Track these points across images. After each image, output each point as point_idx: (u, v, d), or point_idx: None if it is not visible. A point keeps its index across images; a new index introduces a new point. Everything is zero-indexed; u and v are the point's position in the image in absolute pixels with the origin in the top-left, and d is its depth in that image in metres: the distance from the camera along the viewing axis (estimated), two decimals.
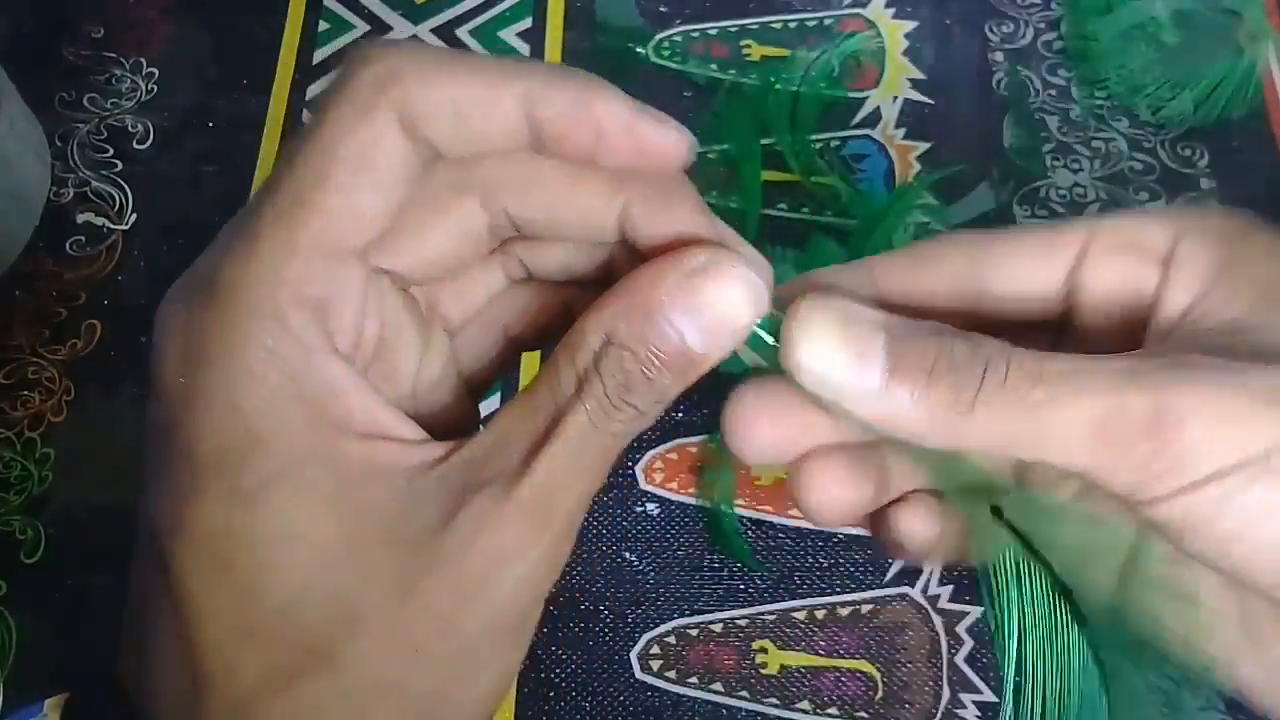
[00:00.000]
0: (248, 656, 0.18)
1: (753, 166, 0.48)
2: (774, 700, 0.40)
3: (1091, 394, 0.19)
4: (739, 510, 0.43)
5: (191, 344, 0.19)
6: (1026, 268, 0.23)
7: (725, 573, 0.42)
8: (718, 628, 0.41)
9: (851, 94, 0.52)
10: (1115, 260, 0.23)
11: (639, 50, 0.53)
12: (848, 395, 0.20)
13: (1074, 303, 0.23)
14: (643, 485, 0.43)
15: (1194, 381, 0.19)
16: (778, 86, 0.51)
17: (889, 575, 0.42)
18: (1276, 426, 0.18)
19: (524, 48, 0.53)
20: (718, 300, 0.19)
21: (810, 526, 0.43)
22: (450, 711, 0.19)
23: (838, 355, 0.20)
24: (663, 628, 0.41)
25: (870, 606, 0.41)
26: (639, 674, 0.40)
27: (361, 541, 0.18)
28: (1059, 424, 0.19)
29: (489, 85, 0.19)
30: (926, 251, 0.24)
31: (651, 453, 0.44)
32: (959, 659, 0.41)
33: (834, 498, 0.23)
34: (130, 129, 0.51)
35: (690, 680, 0.40)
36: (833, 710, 0.40)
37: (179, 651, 0.18)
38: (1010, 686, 0.22)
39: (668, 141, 0.20)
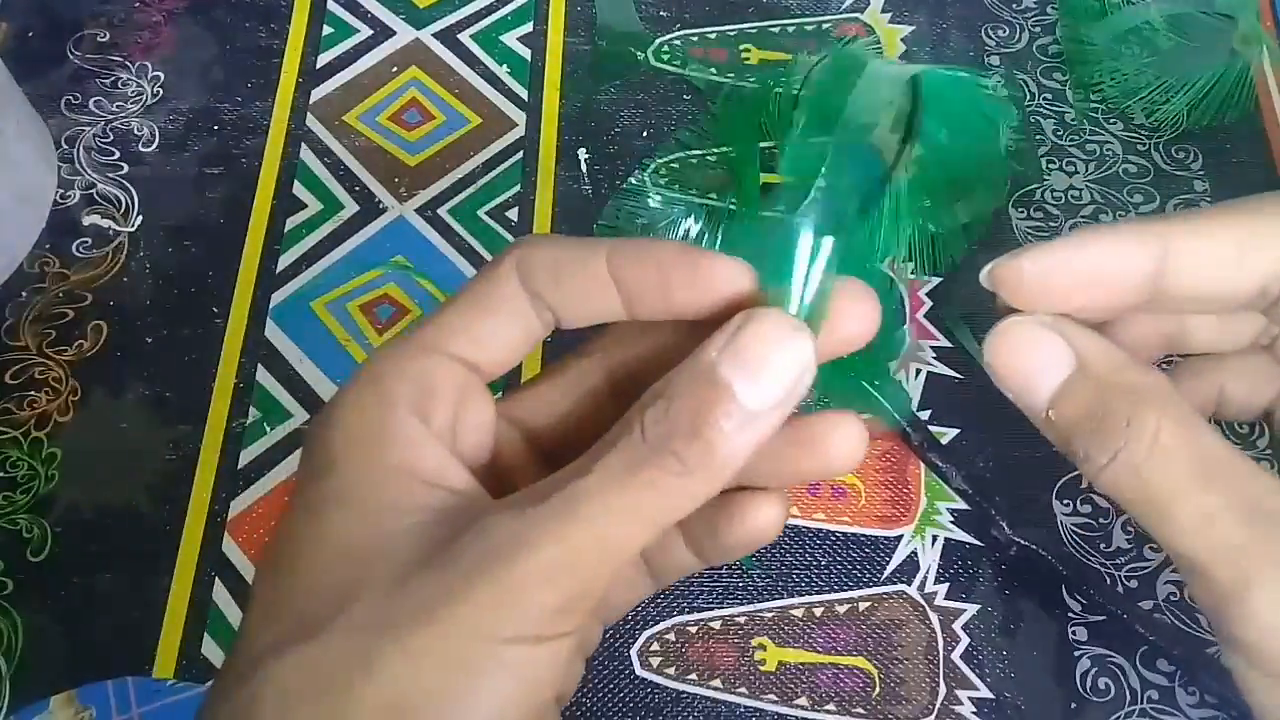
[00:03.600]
0: (264, 628, 0.20)
1: (751, 169, 0.49)
2: (772, 696, 0.40)
3: (1194, 541, 0.20)
4: None
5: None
6: (1220, 262, 0.22)
7: (724, 571, 0.42)
8: (717, 625, 0.42)
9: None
10: None
11: (639, 54, 0.54)
12: (1020, 404, 0.23)
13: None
14: None
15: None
16: (777, 90, 0.51)
17: (886, 573, 0.42)
18: None
19: (525, 52, 0.54)
20: (758, 346, 0.20)
21: (808, 525, 0.43)
22: (436, 712, 0.19)
23: (1016, 376, 0.23)
24: (662, 625, 0.42)
25: (867, 604, 0.42)
26: (639, 670, 0.41)
27: (387, 551, 0.20)
28: (1159, 534, 0.21)
29: (582, 246, 0.22)
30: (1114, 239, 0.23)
31: None
32: (955, 656, 0.41)
33: None
34: (136, 132, 0.51)
35: (689, 677, 0.41)
36: (830, 706, 0.40)
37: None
38: None
39: (719, 264, 0.21)
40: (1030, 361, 0.22)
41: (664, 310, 0.22)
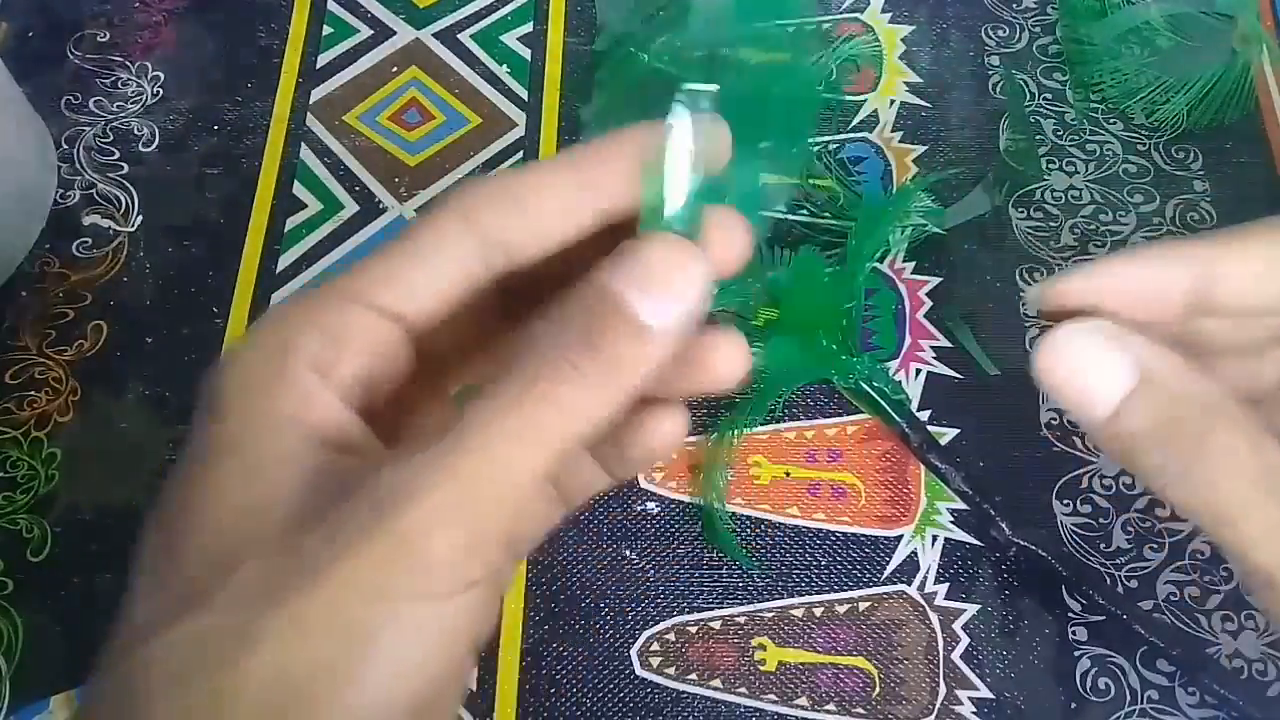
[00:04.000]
0: (148, 599, 0.19)
1: (751, 168, 0.49)
2: (772, 697, 0.40)
3: (1263, 553, 0.20)
4: (738, 509, 0.43)
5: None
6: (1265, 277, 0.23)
7: (724, 571, 0.42)
8: (717, 625, 0.42)
9: (849, 97, 0.52)
10: None
11: (639, 55, 0.53)
12: (1077, 415, 0.22)
13: None
14: (643, 484, 0.44)
15: None
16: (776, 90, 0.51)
17: (886, 573, 0.42)
18: None
19: (525, 52, 0.54)
20: (650, 259, 0.20)
21: (808, 525, 0.43)
22: (328, 685, 0.17)
23: (1073, 385, 0.22)
24: (662, 625, 0.42)
25: (867, 604, 0.42)
26: (639, 670, 0.41)
27: (274, 508, 0.19)
28: (1229, 547, 0.21)
29: (544, 171, 0.21)
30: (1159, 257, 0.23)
31: None
32: (955, 656, 0.41)
33: None
34: (136, 132, 0.51)
35: (689, 677, 0.41)
36: (830, 707, 0.40)
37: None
38: None
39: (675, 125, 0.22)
40: (1091, 372, 0.22)
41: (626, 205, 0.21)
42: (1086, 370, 0.22)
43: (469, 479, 0.18)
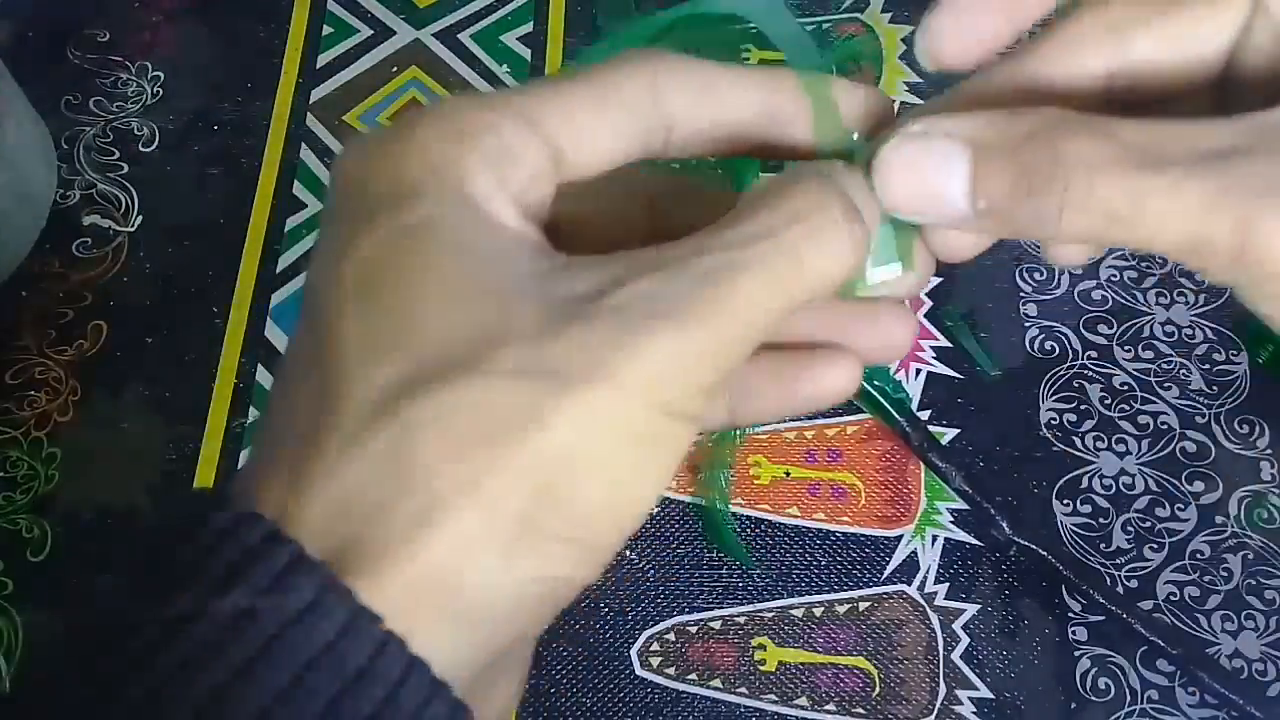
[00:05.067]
0: (382, 367, 0.17)
1: (750, 165, 0.49)
2: (772, 696, 0.40)
3: (1179, 221, 0.19)
4: (738, 509, 0.43)
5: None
6: (1182, 29, 0.21)
7: (724, 570, 0.42)
8: (717, 625, 0.42)
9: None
10: None
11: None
12: (940, 225, 0.22)
13: (1235, 68, 0.21)
14: None
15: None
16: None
17: (886, 573, 0.42)
18: None
19: (525, 52, 0.54)
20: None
21: (808, 525, 0.43)
22: (606, 483, 0.18)
23: (921, 198, 0.21)
24: (662, 625, 0.42)
25: (867, 604, 0.42)
26: (639, 670, 0.41)
27: (518, 293, 0.18)
28: (1146, 242, 0.19)
29: (734, 72, 0.21)
30: (1067, 29, 0.22)
31: None
32: (955, 656, 0.41)
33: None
34: (136, 132, 0.51)
35: (689, 677, 0.41)
36: (830, 707, 0.40)
37: (305, 384, 0.18)
38: None
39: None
40: (928, 170, 0.21)
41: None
42: (923, 170, 0.21)
43: (734, 320, 0.18)
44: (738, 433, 0.44)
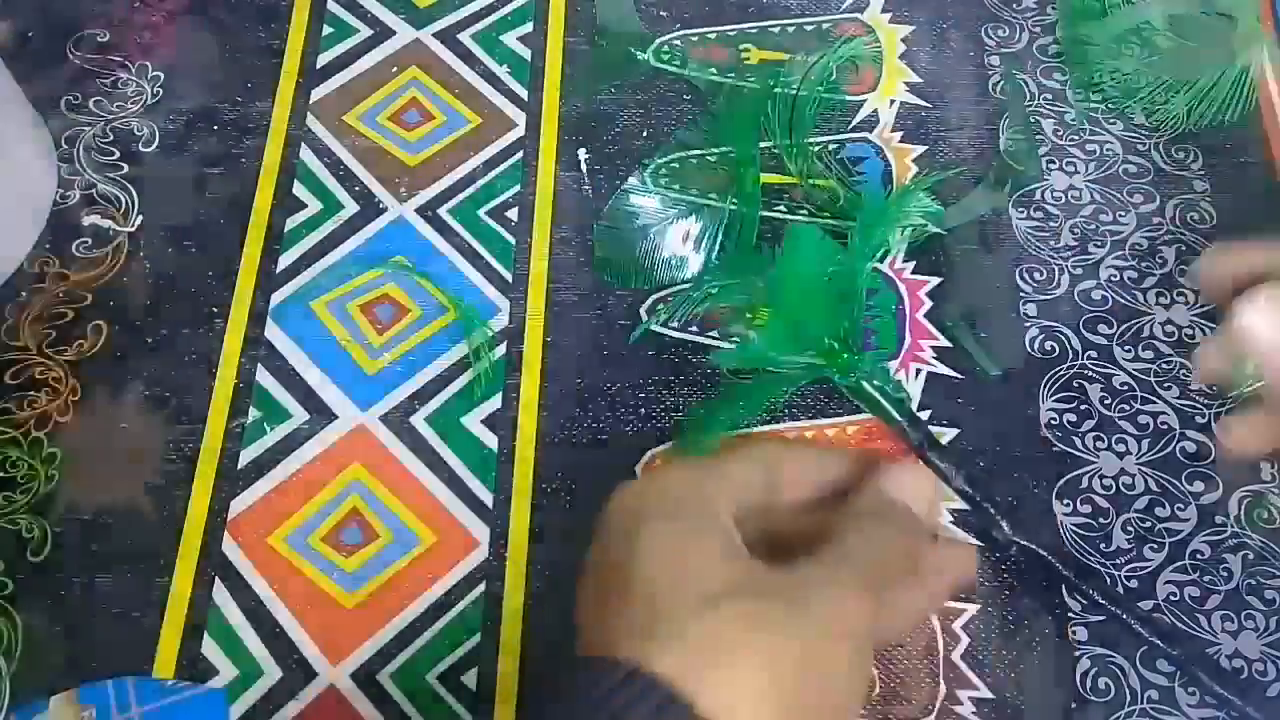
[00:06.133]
0: (685, 597, 0.28)
1: (752, 169, 0.49)
2: None
3: None
4: None
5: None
6: None
7: None
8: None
9: (850, 97, 0.53)
10: None
11: (639, 54, 0.54)
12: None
13: None
14: None
15: None
16: (776, 90, 0.51)
17: None
18: None
19: (525, 52, 0.54)
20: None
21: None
22: (805, 695, 0.27)
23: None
24: None
25: None
26: None
27: (738, 561, 0.30)
28: None
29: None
30: None
31: (652, 451, 0.44)
32: (955, 656, 0.41)
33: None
34: (136, 132, 0.51)
35: None
36: None
37: (625, 598, 0.29)
38: None
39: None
40: None
41: None
42: None
43: (871, 574, 0.30)
44: (732, 430, 0.44)
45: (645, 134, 0.52)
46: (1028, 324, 0.47)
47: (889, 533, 0.32)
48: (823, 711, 0.27)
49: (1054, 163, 0.51)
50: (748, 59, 0.54)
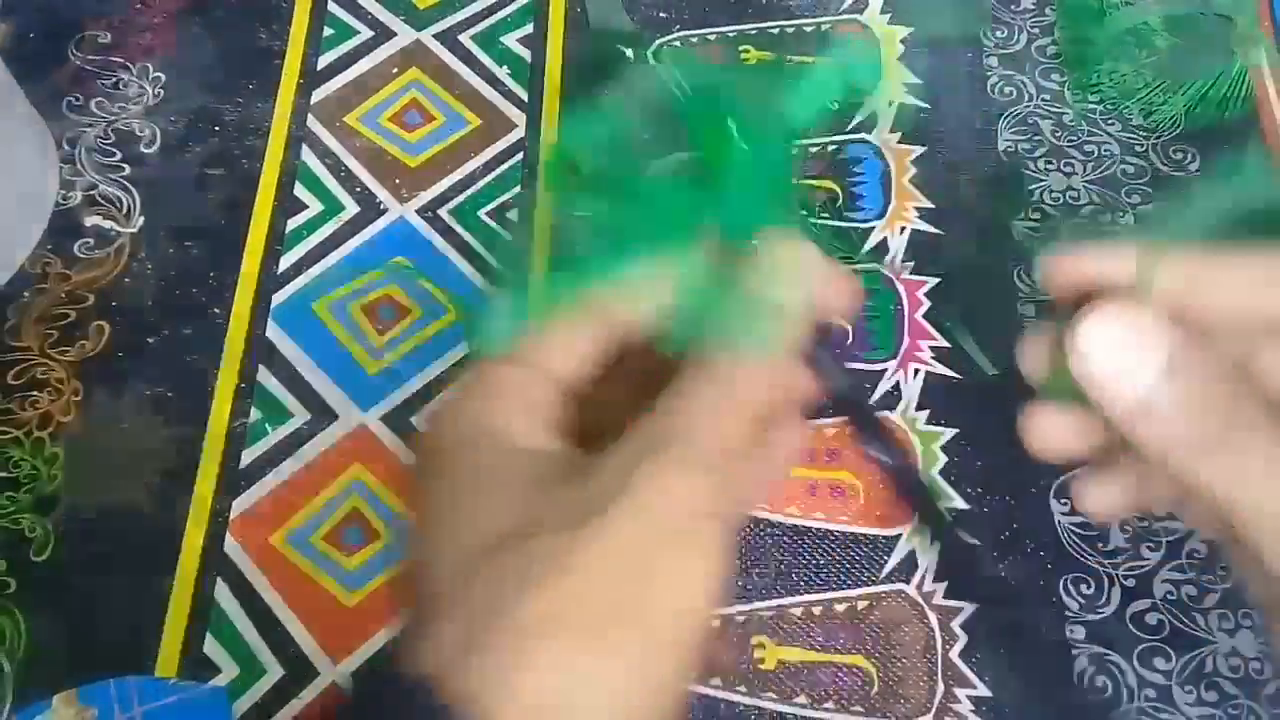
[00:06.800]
0: (464, 544, 0.23)
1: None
2: (771, 695, 0.41)
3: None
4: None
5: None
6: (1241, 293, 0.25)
7: None
8: (715, 623, 0.42)
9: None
10: None
11: (628, 53, 0.54)
12: (1110, 394, 0.24)
13: None
14: None
15: None
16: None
17: (884, 572, 0.43)
18: None
19: (525, 53, 0.54)
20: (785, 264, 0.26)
21: (807, 524, 0.43)
22: (636, 609, 0.21)
23: (1115, 368, 0.23)
24: None
25: (866, 603, 0.42)
26: None
27: (545, 479, 0.24)
28: (1269, 511, 0.23)
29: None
30: (1225, 259, 0.25)
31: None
32: (953, 654, 0.41)
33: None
34: (137, 133, 0.51)
35: None
36: (829, 705, 0.40)
37: (419, 559, 0.24)
38: None
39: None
40: (1132, 346, 0.23)
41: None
42: (1126, 352, 0.23)
43: (699, 440, 0.23)
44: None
45: (645, 134, 0.52)
46: (1025, 323, 0.47)
47: (729, 386, 0.24)
48: (669, 626, 0.22)
49: (1052, 163, 0.51)
50: (747, 59, 0.54)
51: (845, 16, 0.55)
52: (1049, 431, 0.26)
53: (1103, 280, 0.25)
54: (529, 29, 0.55)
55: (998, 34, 0.55)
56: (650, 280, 0.26)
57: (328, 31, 0.54)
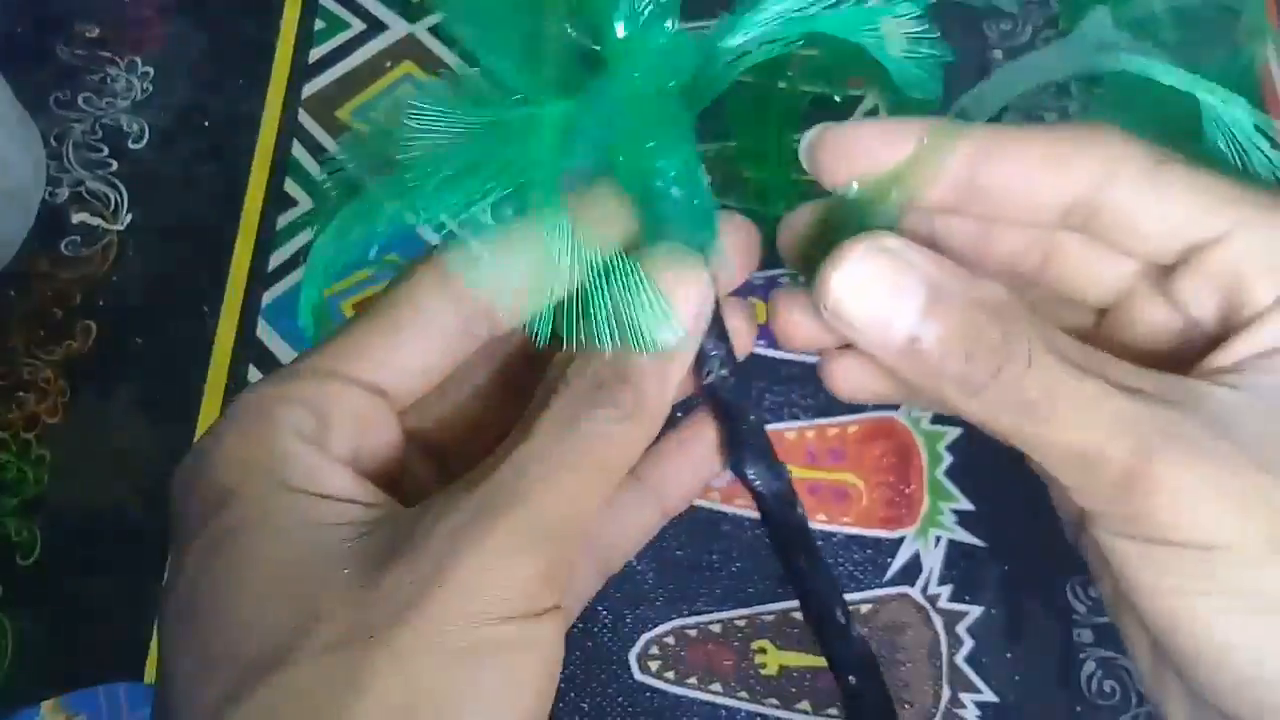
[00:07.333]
0: (207, 686, 0.18)
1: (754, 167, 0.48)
2: (774, 701, 0.40)
3: (1085, 429, 0.19)
4: (737, 511, 0.43)
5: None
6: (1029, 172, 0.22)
7: (724, 573, 0.42)
8: (716, 628, 0.41)
9: (851, 92, 0.52)
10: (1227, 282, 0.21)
11: None
12: (872, 343, 0.21)
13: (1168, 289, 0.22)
14: None
15: (1184, 461, 0.19)
16: (781, 85, 0.51)
17: (889, 575, 0.42)
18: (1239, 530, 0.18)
19: None
20: (670, 294, 0.20)
21: (811, 527, 0.43)
22: (445, 713, 0.18)
23: (871, 315, 0.20)
24: (661, 628, 0.41)
25: (870, 606, 0.41)
26: (638, 675, 0.40)
27: (331, 564, 0.18)
28: (1047, 441, 0.20)
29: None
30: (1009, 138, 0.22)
31: None
32: (959, 659, 0.40)
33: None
34: (125, 128, 0.51)
35: (689, 681, 0.40)
36: (832, 711, 0.40)
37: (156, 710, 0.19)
38: None
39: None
40: (887, 291, 0.20)
41: None
42: (882, 288, 0.20)
43: (540, 508, 0.18)
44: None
45: None
46: None
47: (592, 427, 0.19)
48: None
49: None
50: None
51: None
52: (851, 377, 0.24)
53: (878, 162, 0.22)
54: None
55: (1002, 26, 0.54)
56: (500, 247, 0.20)
57: (319, 24, 0.53)
